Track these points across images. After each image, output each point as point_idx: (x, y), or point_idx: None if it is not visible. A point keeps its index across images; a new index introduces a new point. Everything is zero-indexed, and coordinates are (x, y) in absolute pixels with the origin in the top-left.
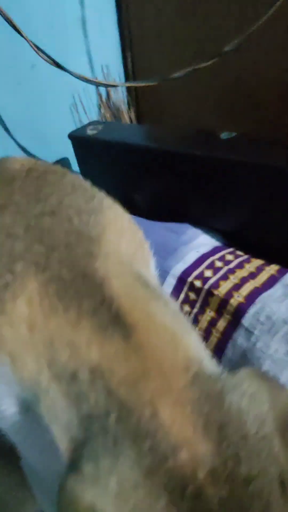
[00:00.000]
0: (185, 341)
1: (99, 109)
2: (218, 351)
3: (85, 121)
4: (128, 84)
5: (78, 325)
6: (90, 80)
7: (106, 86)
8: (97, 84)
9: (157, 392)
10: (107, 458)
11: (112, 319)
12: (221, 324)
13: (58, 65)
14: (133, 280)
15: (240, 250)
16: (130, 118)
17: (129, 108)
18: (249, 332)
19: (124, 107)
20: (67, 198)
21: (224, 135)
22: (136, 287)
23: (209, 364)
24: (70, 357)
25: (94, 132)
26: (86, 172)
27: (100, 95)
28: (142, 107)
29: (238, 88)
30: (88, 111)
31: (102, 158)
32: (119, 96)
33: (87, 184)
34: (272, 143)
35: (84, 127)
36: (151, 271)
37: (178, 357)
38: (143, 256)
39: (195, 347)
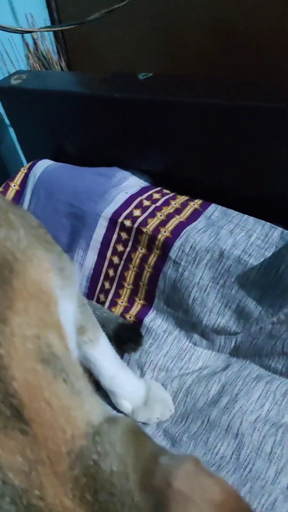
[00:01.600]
0: (77, 415)
1: (27, 59)
2: (152, 285)
3: None
4: (43, 30)
5: None
6: (3, 27)
7: (21, 32)
8: (11, 31)
9: (44, 477)
10: None
11: (13, 415)
12: (152, 259)
13: None
14: (35, 363)
15: (167, 188)
16: (61, 67)
17: (59, 57)
18: (176, 264)
19: (53, 56)
20: None
21: (141, 76)
22: (37, 372)
23: (96, 417)
24: None
25: (19, 81)
26: (15, 123)
27: (27, 45)
28: (72, 55)
29: (163, 28)
30: (15, 62)
31: (29, 108)
32: (47, 46)
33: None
34: (189, 80)
35: (8, 77)
36: (60, 332)
37: (67, 439)
38: (51, 316)
39: (84, 413)
